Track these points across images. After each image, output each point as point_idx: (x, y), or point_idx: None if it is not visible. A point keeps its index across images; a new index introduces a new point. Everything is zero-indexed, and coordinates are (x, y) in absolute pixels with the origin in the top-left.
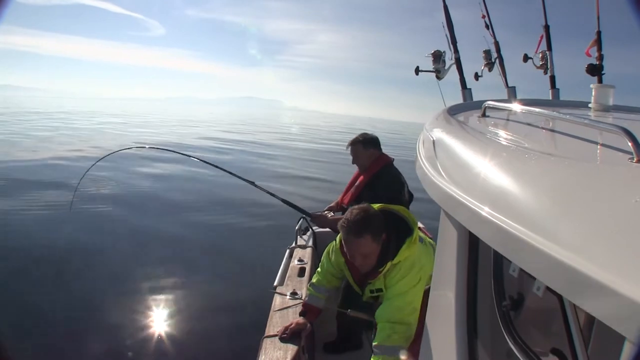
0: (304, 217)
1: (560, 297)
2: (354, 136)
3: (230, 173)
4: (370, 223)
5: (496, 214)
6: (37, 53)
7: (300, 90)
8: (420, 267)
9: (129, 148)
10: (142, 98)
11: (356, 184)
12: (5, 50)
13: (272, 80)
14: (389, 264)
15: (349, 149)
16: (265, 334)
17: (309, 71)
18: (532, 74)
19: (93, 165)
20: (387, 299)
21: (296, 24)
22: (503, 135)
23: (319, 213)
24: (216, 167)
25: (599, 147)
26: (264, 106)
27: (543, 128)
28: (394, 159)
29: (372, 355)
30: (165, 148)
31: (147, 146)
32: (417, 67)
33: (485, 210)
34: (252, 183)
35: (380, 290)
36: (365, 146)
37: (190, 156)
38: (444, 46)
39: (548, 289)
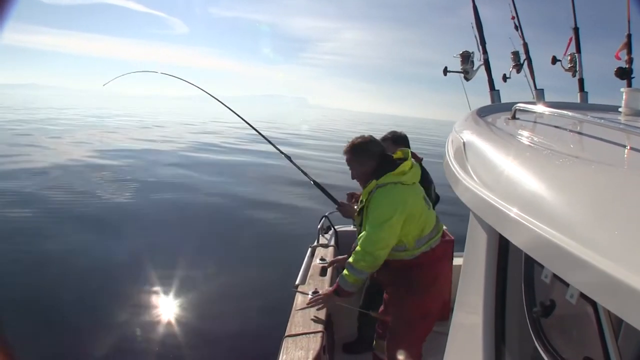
0: (325, 216)
1: (594, 305)
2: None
3: (267, 140)
4: (354, 148)
5: (529, 218)
6: (60, 52)
7: (325, 88)
8: (402, 202)
9: (140, 72)
10: (166, 96)
11: None
12: (29, 49)
13: (296, 78)
14: (373, 181)
15: None
16: (287, 333)
17: (334, 69)
18: (557, 70)
19: (114, 78)
20: (367, 227)
21: (321, 22)
22: (533, 138)
23: (347, 202)
24: (249, 124)
25: (630, 151)
26: (288, 104)
27: (573, 132)
28: (422, 158)
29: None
30: (175, 76)
31: (159, 72)
32: (446, 68)
33: (516, 213)
34: (289, 158)
35: (362, 202)
36: (395, 143)
37: (207, 92)
38: (470, 45)
39: (582, 296)
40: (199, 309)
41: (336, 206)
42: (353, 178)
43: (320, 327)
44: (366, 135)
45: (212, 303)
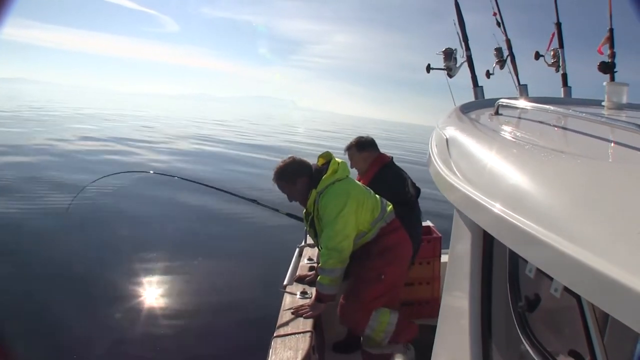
0: None
1: (578, 298)
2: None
3: (232, 194)
4: (281, 173)
5: (512, 213)
6: (52, 47)
7: (314, 91)
8: (346, 194)
9: (131, 172)
10: (155, 94)
11: None
12: (18, 43)
13: (286, 80)
14: (313, 191)
15: (346, 154)
16: (275, 334)
17: (324, 72)
18: (543, 75)
19: (90, 183)
20: (324, 228)
21: (311, 25)
22: (516, 133)
23: None
24: (220, 190)
25: (613, 145)
26: (277, 106)
27: (556, 126)
28: (392, 157)
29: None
30: (170, 175)
31: (151, 171)
32: (429, 65)
33: (499, 209)
34: (255, 201)
35: (310, 213)
36: (359, 149)
37: (196, 182)
38: (457, 46)
39: (566, 289)
40: (186, 311)
41: None
42: (291, 200)
43: (309, 327)
44: (286, 157)
45: (200, 304)
